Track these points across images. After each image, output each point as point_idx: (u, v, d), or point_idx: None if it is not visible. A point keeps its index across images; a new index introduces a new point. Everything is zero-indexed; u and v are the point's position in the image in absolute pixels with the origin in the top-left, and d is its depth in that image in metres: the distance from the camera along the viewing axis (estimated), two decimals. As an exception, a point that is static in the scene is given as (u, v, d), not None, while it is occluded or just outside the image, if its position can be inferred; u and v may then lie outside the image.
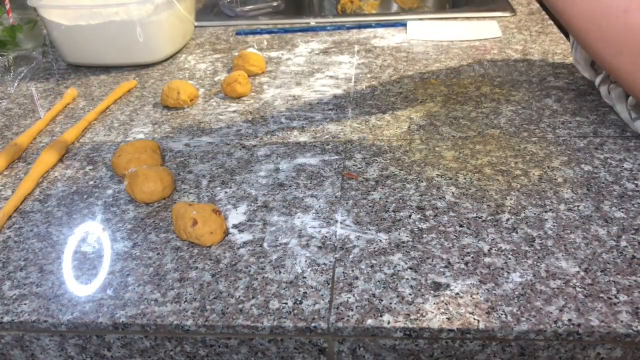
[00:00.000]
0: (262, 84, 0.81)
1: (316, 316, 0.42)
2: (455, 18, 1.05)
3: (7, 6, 0.94)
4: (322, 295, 0.44)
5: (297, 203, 0.54)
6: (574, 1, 0.52)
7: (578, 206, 0.52)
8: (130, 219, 0.54)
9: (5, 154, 0.64)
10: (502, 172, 0.57)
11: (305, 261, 0.47)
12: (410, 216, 0.52)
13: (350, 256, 0.47)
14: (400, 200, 0.54)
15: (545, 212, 0.51)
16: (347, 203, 0.54)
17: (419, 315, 0.41)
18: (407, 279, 0.45)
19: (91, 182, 0.60)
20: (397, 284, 0.44)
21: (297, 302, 0.43)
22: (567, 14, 0.54)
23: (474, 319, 0.41)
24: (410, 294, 0.43)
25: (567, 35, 0.86)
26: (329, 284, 0.45)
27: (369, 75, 0.82)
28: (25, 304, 0.44)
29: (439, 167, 0.58)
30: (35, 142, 0.69)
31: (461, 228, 0.50)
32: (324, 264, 0.47)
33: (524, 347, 0.41)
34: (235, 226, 0.52)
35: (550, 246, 0.47)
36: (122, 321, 0.42)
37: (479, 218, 0.51)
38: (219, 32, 1.04)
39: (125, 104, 0.78)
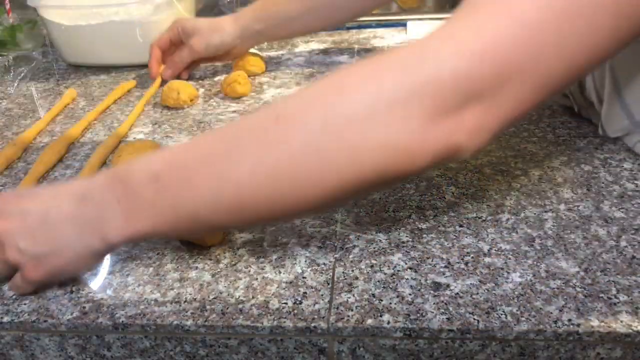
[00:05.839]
0: (262, 84, 0.81)
1: (316, 316, 0.42)
2: (455, 18, 1.05)
3: (7, 6, 0.94)
4: (322, 295, 0.43)
5: (297, 203, 0.54)
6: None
7: (578, 206, 0.52)
8: (130, 219, 0.54)
9: (5, 154, 0.64)
10: (502, 172, 0.57)
11: (305, 261, 0.47)
12: (410, 216, 0.52)
13: (350, 256, 0.47)
14: (400, 200, 0.54)
15: (545, 212, 0.51)
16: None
17: (418, 315, 0.41)
18: (407, 279, 0.45)
19: (91, 182, 0.60)
20: (397, 284, 0.44)
21: (297, 302, 0.43)
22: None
23: (474, 319, 0.41)
24: (410, 294, 0.43)
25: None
26: (329, 284, 0.45)
27: (369, 75, 0.82)
28: (25, 304, 0.44)
29: (439, 167, 0.58)
30: (35, 142, 0.69)
31: (461, 228, 0.50)
32: (324, 264, 0.47)
33: (524, 347, 0.41)
34: (235, 226, 0.52)
35: (550, 246, 0.47)
36: (122, 321, 0.42)
37: (479, 218, 0.51)
38: (219, 32, 1.04)
39: (125, 104, 0.78)
